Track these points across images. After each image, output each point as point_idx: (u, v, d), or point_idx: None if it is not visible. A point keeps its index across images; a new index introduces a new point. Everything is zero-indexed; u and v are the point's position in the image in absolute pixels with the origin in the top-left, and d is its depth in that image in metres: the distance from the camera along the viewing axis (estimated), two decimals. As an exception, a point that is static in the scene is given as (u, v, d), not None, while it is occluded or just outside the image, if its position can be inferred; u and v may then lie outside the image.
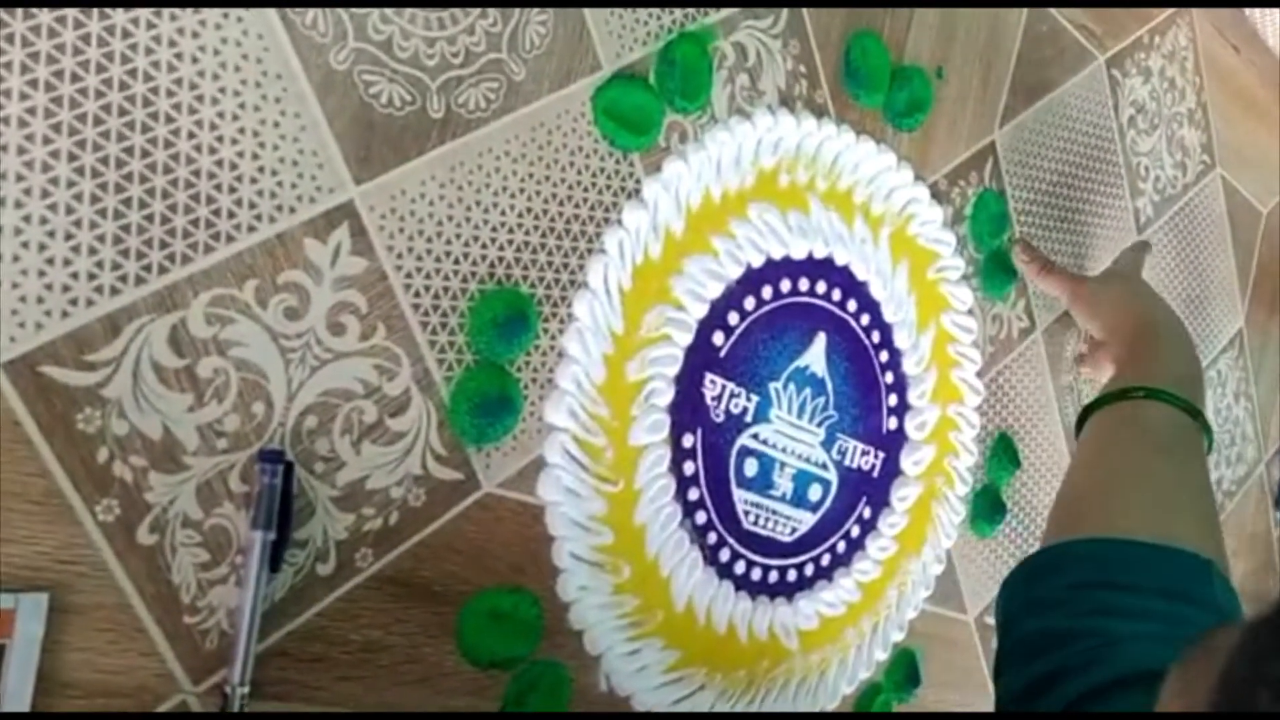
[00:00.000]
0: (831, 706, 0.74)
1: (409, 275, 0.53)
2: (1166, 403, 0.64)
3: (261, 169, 0.48)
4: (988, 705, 0.87)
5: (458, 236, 0.54)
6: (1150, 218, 0.99)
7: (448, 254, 0.54)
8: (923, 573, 0.80)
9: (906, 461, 0.77)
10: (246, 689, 0.47)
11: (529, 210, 0.57)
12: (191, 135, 0.46)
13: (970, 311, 0.80)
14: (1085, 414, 0.69)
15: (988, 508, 0.84)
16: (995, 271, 0.83)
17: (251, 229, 0.48)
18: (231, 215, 0.47)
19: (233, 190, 0.47)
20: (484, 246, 0.55)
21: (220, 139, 0.47)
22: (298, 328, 0.49)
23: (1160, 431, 0.63)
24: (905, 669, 0.79)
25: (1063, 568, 0.53)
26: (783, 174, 0.68)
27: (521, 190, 0.56)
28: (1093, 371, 0.91)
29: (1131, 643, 0.47)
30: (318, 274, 0.50)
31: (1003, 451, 0.85)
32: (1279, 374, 1.21)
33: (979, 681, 0.86)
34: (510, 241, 0.56)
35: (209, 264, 0.47)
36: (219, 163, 0.47)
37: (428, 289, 0.53)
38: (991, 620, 0.87)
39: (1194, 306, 1.06)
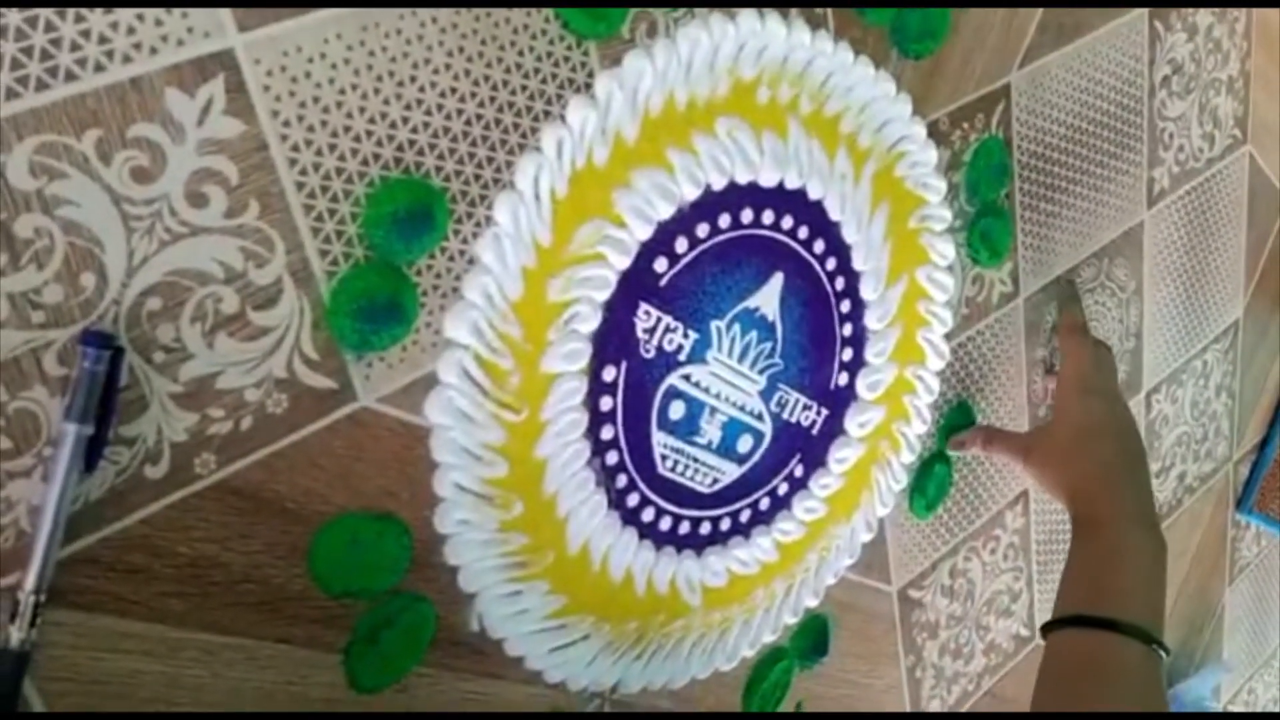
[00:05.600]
0: (729, 668, 0.69)
1: (296, 148, 0.45)
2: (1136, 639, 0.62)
3: (119, -4, 0.40)
4: (895, 674, 0.84)
5: (361, 111, 0.46)
6: (1165, 189, 0.91)
7: (347, 130, 0.46)
8: (849, 539, 0.74)
9: (852, 421, 0.71)
10: (43, 596, 0.42)
11: (453, 91, 0.48)
12: (32, -58, 0.38)
13: (950, 268, 0.73)
14: (1051, 624, 0.66)
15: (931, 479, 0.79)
16: (990, 234, 0.76)
17: (100, 68, 0.40)
18: (76, 48, 0.39)
19: (80, 19, 0.39)
20: (393, 127, 0.47)
21: (69, -48, 0.38)
22: (147, 192, 0.42)
23: (1123, 693, 0.61)
24: (814, 636, 0.74)
25: None
26: (763, 88, 0.60)
27: (447, 67, 0.48)
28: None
29: None
30: (179, 131, 0.42)
31: (958, 422, 0.79)
32: (1268, 373, 1.14)
33: (889, 653, 0.82)
34: (426, 125, 0.48)
35: (40, 103, 0.39)
36: (65, -18, 0.39)
37: (317, 168, 0.46)
38: (915, 593, 0.82)
39: (1192, 290, 0.99)
